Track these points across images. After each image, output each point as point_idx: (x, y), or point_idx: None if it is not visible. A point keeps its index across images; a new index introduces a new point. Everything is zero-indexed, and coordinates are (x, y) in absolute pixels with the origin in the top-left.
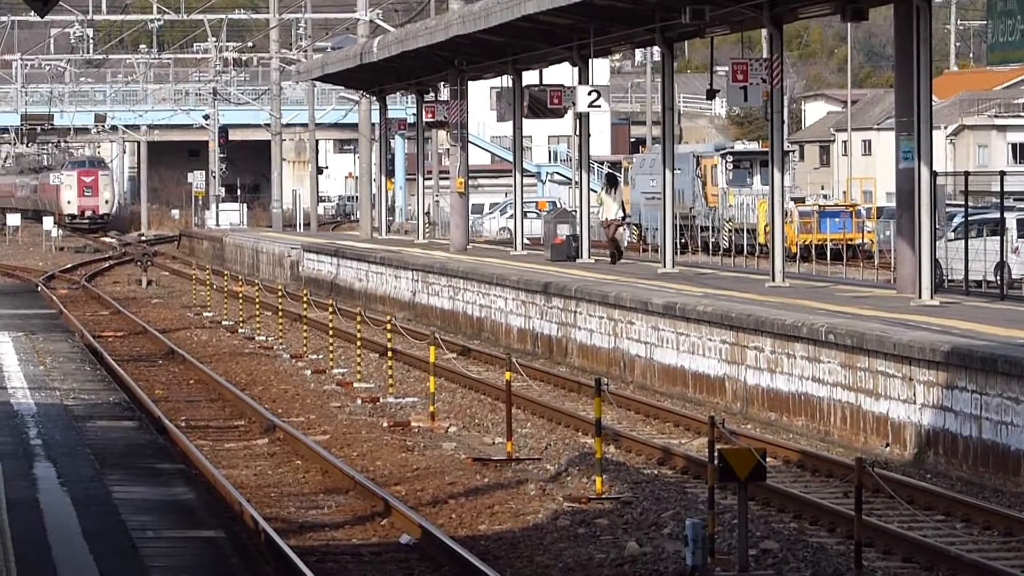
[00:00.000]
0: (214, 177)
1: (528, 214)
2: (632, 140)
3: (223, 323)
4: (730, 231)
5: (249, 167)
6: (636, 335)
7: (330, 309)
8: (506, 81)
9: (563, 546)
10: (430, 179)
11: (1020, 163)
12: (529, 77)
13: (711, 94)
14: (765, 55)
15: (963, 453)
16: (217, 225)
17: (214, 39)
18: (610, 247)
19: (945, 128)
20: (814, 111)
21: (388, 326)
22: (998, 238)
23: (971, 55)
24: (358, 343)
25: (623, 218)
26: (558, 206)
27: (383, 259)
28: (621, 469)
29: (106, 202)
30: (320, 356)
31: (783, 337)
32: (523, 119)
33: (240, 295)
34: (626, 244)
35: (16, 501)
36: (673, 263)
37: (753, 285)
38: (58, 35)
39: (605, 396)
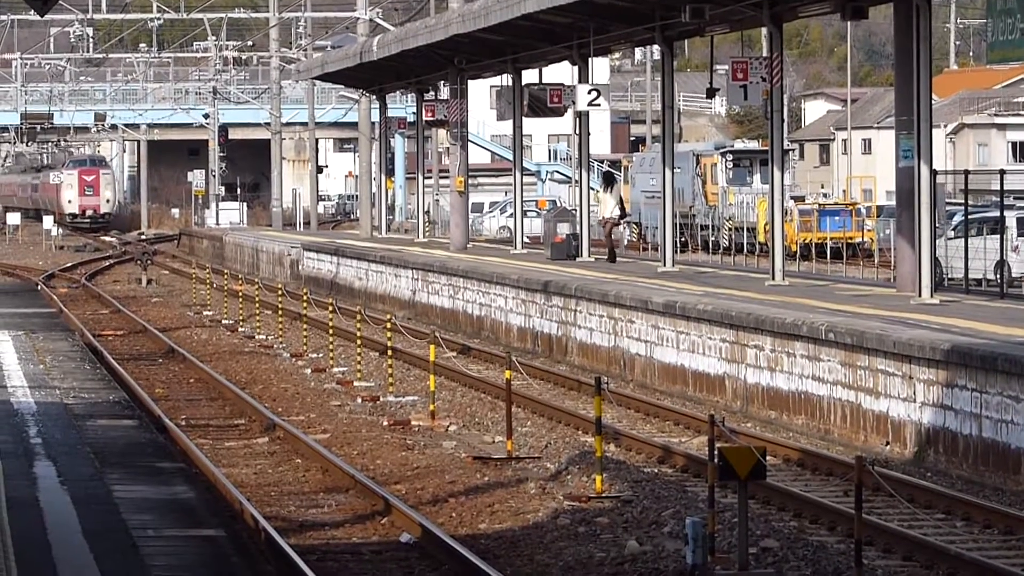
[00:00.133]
0: (214, 176)
1: (528, 213)
2: (632, 139)
3: (223, 322)
4: (730, 230)
5: (249, 166)
6: (636, 334)
7: (330, 308)
8: (506, 80)
9: (563, 545)
10: (430, 178)
11: (1020, 161)
12: (529, 76)
13: (711, 93)
14: (765, 54)
15: (963, 451)
16: (217, 224)
17: (214, 38)
18: (608, 245)
19: (945, 127)
20: (814, 110)
21: (388, 325)
22: (998, 236)
23: (971, 54)
24: (358, 342)
25: (621, 216)
26: (558, 205)
27: (383, 258)
28: (621, 468)
29: (107, 201)
30: (320, 355)
31: (783, 336)
32: (523, 118)
33: (240, 294)
34: (626, 243)
35: (16, 500)
36: (673, 262)
37: (753, 284)
38: (58, 34)
39: (605, 395)
